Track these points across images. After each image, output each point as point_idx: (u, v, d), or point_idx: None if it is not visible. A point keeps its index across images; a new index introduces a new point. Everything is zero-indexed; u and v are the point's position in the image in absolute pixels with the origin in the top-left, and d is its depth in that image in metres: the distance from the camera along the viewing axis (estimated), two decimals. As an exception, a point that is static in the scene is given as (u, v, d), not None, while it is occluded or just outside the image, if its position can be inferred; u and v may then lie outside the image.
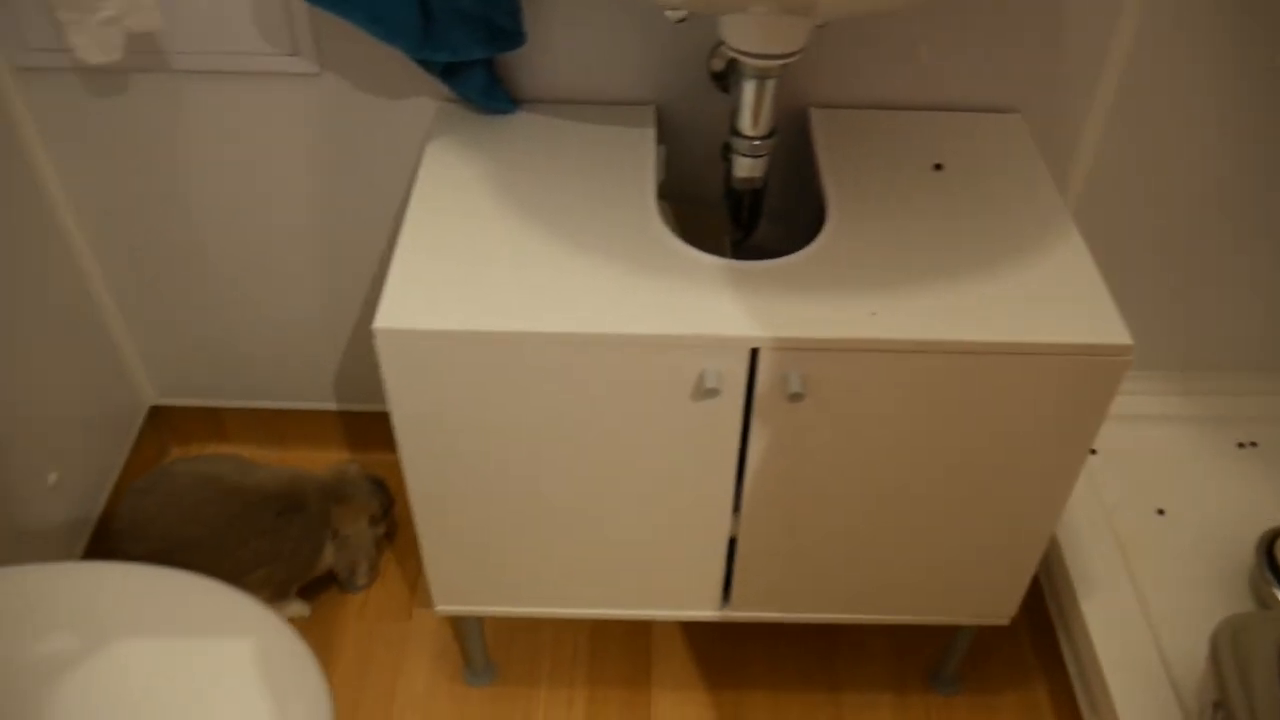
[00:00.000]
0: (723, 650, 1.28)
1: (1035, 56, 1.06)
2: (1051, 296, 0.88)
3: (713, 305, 0.87)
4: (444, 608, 1.11)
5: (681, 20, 0.94)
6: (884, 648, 1.28)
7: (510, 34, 1.00)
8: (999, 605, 1.09)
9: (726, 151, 0.99)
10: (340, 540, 1.28)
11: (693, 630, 1.30)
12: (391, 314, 0.86)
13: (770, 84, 0.91)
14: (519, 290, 0.88)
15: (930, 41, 1.05)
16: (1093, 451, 1.29)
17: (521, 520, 1.01)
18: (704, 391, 0.88)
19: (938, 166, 1.02)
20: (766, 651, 1.27)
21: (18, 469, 1.15)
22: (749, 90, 0.91)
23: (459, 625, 1.29)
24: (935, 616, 1.10)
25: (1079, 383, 0.87)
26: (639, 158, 1.03)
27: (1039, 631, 1.27)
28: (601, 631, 1.29)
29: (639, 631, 1.29)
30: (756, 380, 0.88)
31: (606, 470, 0.96)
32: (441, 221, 0.95)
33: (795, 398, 0.86)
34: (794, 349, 0.85)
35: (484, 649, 1.22)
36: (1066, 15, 1.04)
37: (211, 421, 1.45)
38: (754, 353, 0.86)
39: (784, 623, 1.09)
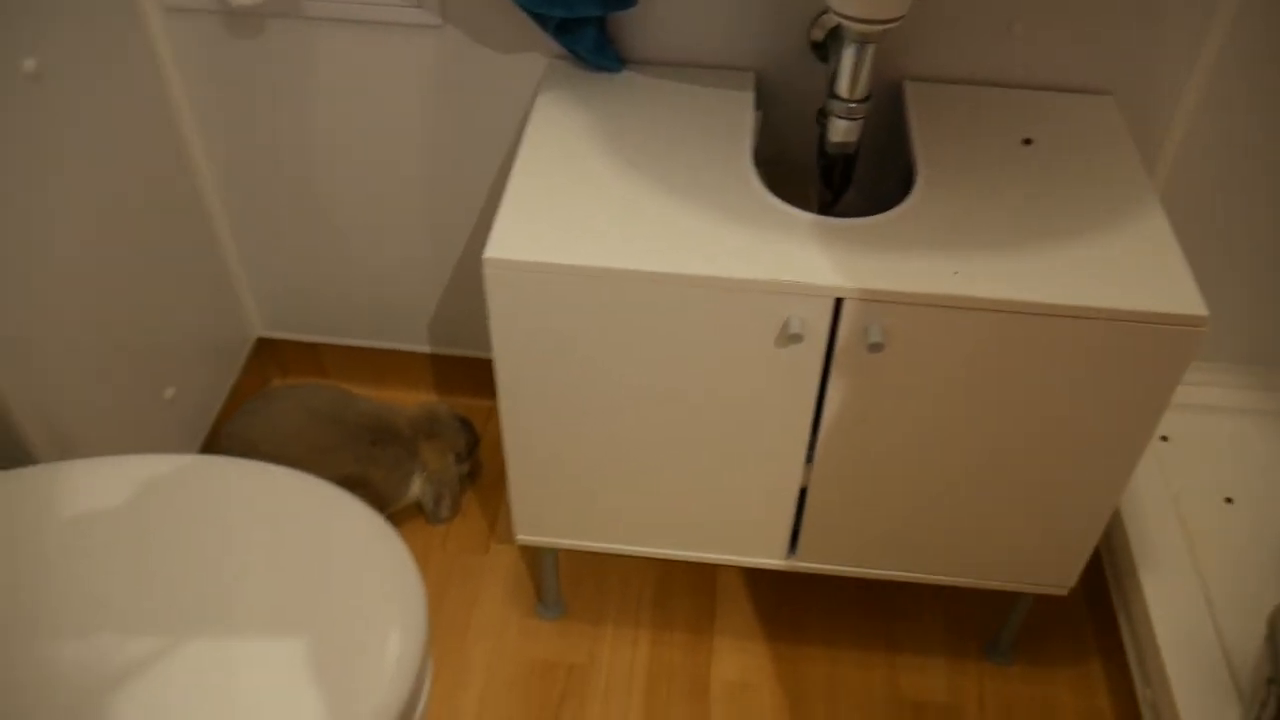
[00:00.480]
0: (784, 604, 1.32)
1: (1131, 39, 1.09)
2: (1130, 267, 0.91)
3: (801, 256, 0.91)
4: (524, 537, 1.17)
5: (786, -13, 0.99)
6: (941, 613, 1.32)
7: (623, -5, 1.06)
8: (1059, 574, 1.12)
9: (821, 116, 1.04)
10: (427, 473, 1.35)
11: (756, 582, 1.34)
12: (501, 245, 0.92)
13: (870, 49, 0.96)
14: (619, 232, 0.94)
15: (1026, 19, 1.08)
16: (1164, 438, 1.31)
17: (604, 455, 1.07)
18: (788, 337, 0.92)
19: (1027, 141, 1.05)
20: (826, 608, 1.32)
21: (142, 381, 1.24)
22: (849, 54, 0.96)
23: (534, 559, 1.35)
24: (995, 581, 1.14)
25: (1152, 352, 0.90)
26: (737, 119, 1.08)
27: (1097, 608, 1.29)
28: (668, 577, 1.35)
29: (704, 580, 1.35)
30: (839, 330, 0.92)
31: (688, 411, 1.01)
32: (549, 167, 1.01)
33: (875, 348, 0.90)
34: (876, 300, 0.89)
35: (557, 583, 1.29)
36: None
37: (311, 356, 1.53)
38: (838, 302, 0.90)
39: (848, 576, 1.13)
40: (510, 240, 0.93)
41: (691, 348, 0.95)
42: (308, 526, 0.88)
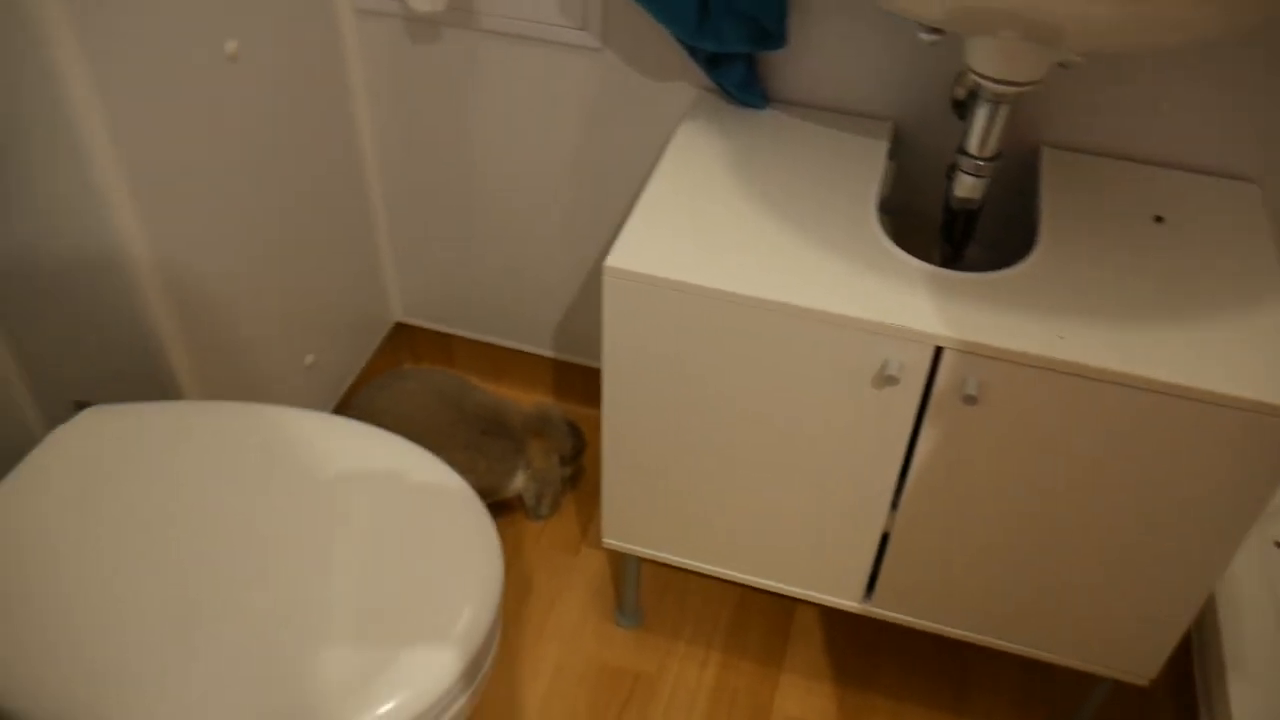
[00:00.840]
0: (857, 651, 1.32)
1: (1276, 127, 1.07)
2: (1246, 354, 0.90)
3: (908, 301, 0.94)
4: (610, 541, 1.22)
5: (933, 42, 1.01)
6: (1016, 688, 1.29)
7: (774, 35, 1.10)
8: (1140, 662, 1.09)
9: (950, 171, 1.05)
10: (531, 470, 1.41)
11: (832, 625, 1.35)
12: (622, 255, 0.97)
13: (1003, 109, 0.97)
14: (736, 258, 0.98)
15: (1174, 98, 1.08)
16: (1278, 544, 1.26)
17: (695, 471, 1.10)
18: (884, 379, 0.94)
19: (1158, 219, 1.04)
20: (899, 663, 1.31)
21: (287, 344, 1.34)
22: (983, 113, 0.98)
23: (619, 566, 1.39)
24: (1073, 660, 1.12)
25: (1258, 442, 0.88)
26: (868, 166, 1.11)
27: (1182, 710, 1.24)
28: (746, 606, 1.37)
29: (781, 615, 1.36)
30: (936, 379, 0.94)
31: (782, 440, 1.04)
32: (680, 190, 1.06)
33: (969, 400, 0.91)
34: (975, 354, 0.91)
35: (637, 593, 1.32)
36: (1324, 96, 1.04)
37: (442, 345, 1.62)
38: (938, 351, 0.92)
39: (922, 630, 1.12)
40: (632, 252, 0.98)
41: (791, 378, 0.98)
42: (411, 493, 0.95)
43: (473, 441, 1.38)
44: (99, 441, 0.98)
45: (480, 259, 1.49)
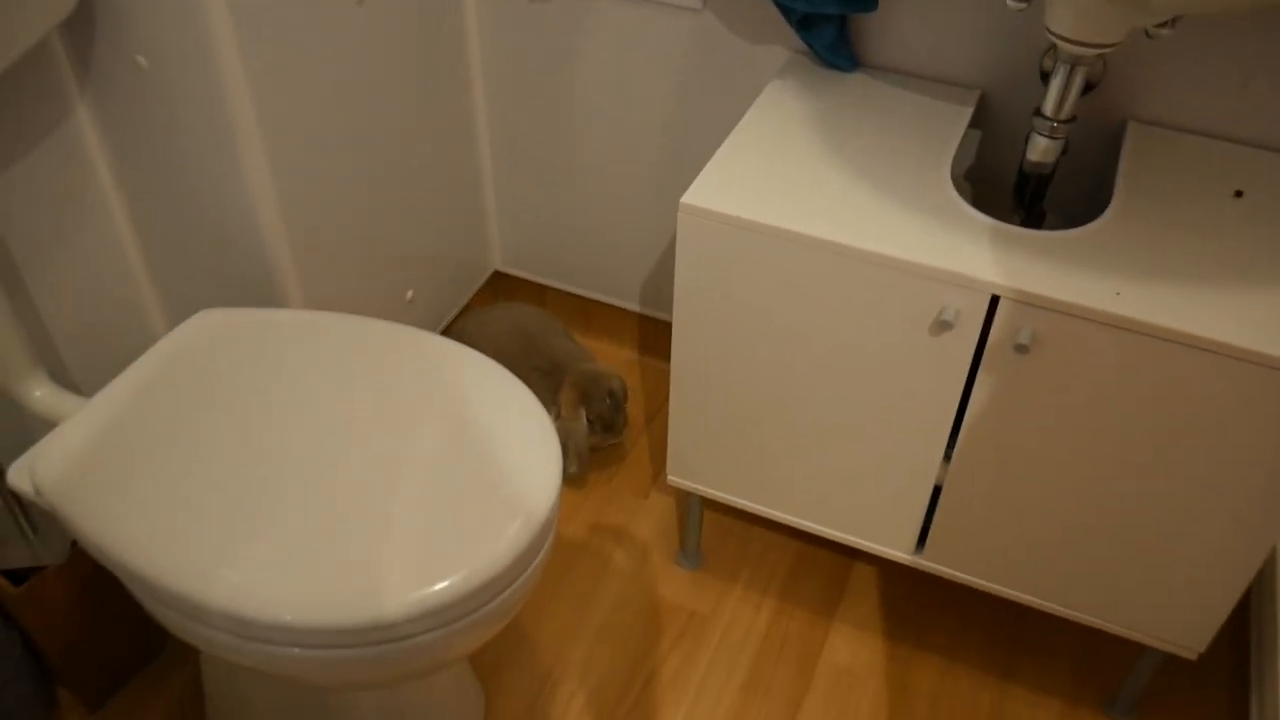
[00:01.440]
0: (911, 609, 1.35)
1: (1376, 112, 1.06)
2: (1307, 323, 0.90)
3: (969, 251, 0.97)
4: (674, 478, 1.27)
5: (1021, 9, 1.04)
6: (1068, 656, 1.30)
7: (864, -2, 1.14)
8: (1190, 634, 1.09)
9: (1028, 135, 1.08)
10: (560, 421, 1.45)
11: (888, 582, 1.38)
12: (698, 194, 1.03)
13: (1079, 71, 0.99)
14: (806, 203, 1.02)
15: (1265, 76, 1.08)
16: (1351, 540, 1.23)
17: (758, 412, 1.15)
18: (940, 324, 0.98)
19: (1238, 194, 1.05)
20: (951, 623, 1.33)
21: (390, 278, 1.43)
22: (1059, 74, 1.00)
23: (683, 509, 1.45)
24: (1121, 626, 1.12)
25: (1311, 408, 0.89)
26: (949, 130, 1.14)
27: (1236, 687, 1.24)
28: (805, 559, 1.41)
29: (839, 569, 1.40)
30: (991, 328, 0.96)
31: (841, 385, 1.08)
32: (762, 140, 1.11)
33: (1020, 349, 0.94)
34: (1030, 304, 0.93)
35: (699, 535, 1.38)
36: None
37: (536, 295, 1.70)
38: (994, 300, 0.95)
39: (971, 587, 1.14)
40: (708, 192, 1.03)
41: (852, 322, 1.02)
42: (482, 399, 1.02)
43: (522, 371, 1.45)
44: (211, 337, 1.08)
45: (576, 214, 1.56)
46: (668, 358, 1.66)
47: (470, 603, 0.88)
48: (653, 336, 1.66)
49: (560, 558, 1.41)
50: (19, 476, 0.99)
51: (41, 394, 1.12)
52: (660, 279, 1.58)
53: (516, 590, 0.93)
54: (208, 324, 1.10)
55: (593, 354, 1.55)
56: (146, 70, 1.08)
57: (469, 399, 1.02)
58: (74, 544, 1.13)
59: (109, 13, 1.06)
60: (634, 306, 1.63)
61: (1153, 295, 0.93)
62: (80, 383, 1.30)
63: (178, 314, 1.33)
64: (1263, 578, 1.28)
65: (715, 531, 1.44)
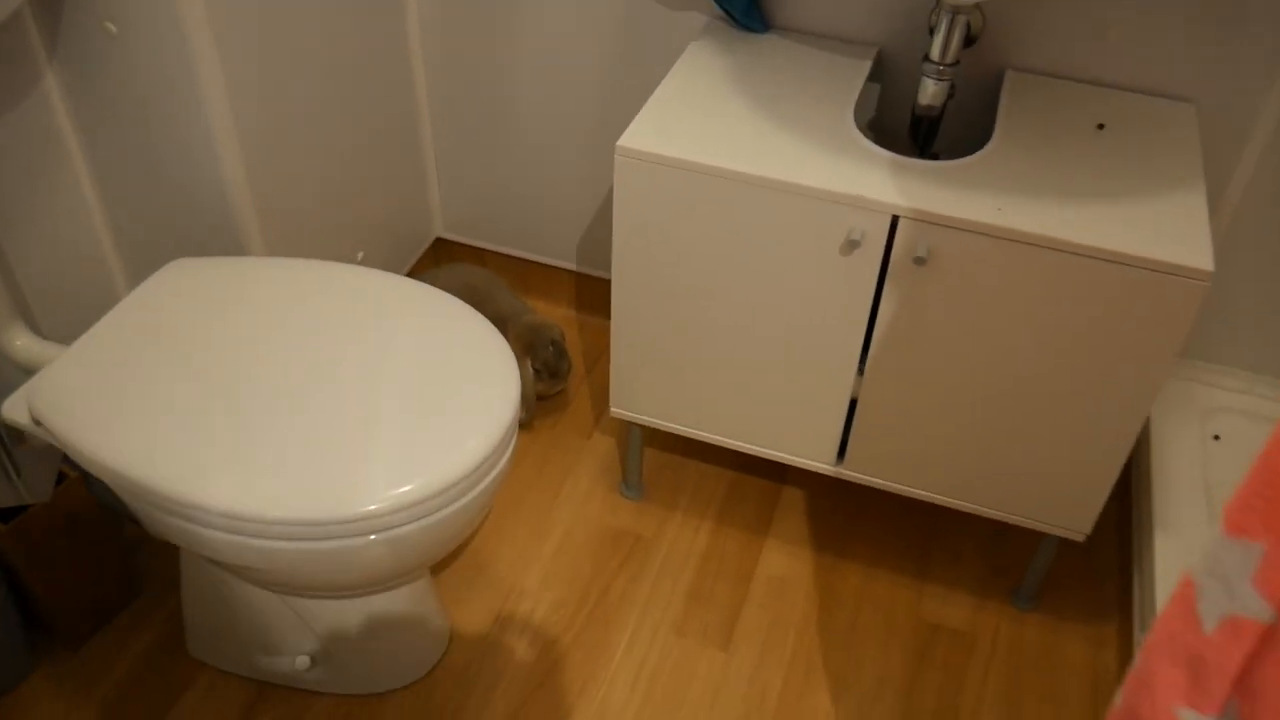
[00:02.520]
0: (836, 524, 1.49)
1: (1214, 54, 1.22)
2: (1157, 227, 1.05)
3: (872, 179, 1.10)
4: (617, 410, 1.39)
5: (907, -31, 1.18)
6: (975, 555, 1.45)
7: (772, -36, 1.27)
8: (1077, 517, 1.24)
9: (919, 83, 1.22)
10: None
11: (814, 501, 1.51)
12: (633, 137, 1.15)
13: (961, 19, 1.14)
14: (729, 144, 1.15)
15: (1121, 26, 1.23)
16: (1216, 437, 1.40)
17: (692, 342, 1.27)
18: (849, 244, 1.11)
19: (1100, 126, 1.20)
20: (871, 531, 1.47)
21: (341, 236, 1.52)
22: (943, 23, 1.14)
23: (624, 444, 1.57)
24: (1019, 516, 1.27)
25: (1162, 299, 1.03)
26: (852, 80, 1.27)
27: (1125, 576, 1.39)
28: (738, 485, 1.54)
29: (769, 493, 1.52)
30: (893, 246, 1.10)
31: (764, 307, 1.20)
32: (686, 92, 1.23)
33: (919, 261, 1.08)
34: (925, 221, 1.07)
35: (639, 466, 1.49)
36: (1251, 16, 1.19)
37: (477, 259, 1.80)
38: (894, 220, 1.08)
39: (887, 491, 1.27)
40: (641, 136, 1.15)
41: (773, 247, 1.15)
42: (443, 325, 1.13)
43: None
44: (188, 282, 1.17)
45: (513, 179, 1.67)
46: (604, 314, 1.78)
47: (440, 499, 0.99)
48: (589, 294, 1.77)
49: (512, 494, 1.51)
50: (13, 410, 1.07)
51: (22, 343, 1.19)
52: (594, 238, 1.69)
53: (481, 492, 1.03)
54: (182, 271, 1.18)
55: (534, 308, 1.65)
56: (115, 36, 1.16)
57: (434, 327, 1.13)
58: (57, 484, 1.20)
59: (79, -17, 1.14)
60: (570, 265, 1.74)
61: (1029, 210, 1.07)
62: (49, 336, 1.37)
63: (140, 271, 1.41)
64: (1139, 463, 1.45)
65: (654, 466, 1.56)
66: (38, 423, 1.03)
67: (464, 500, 1.01)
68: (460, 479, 0.99)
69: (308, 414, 1.01)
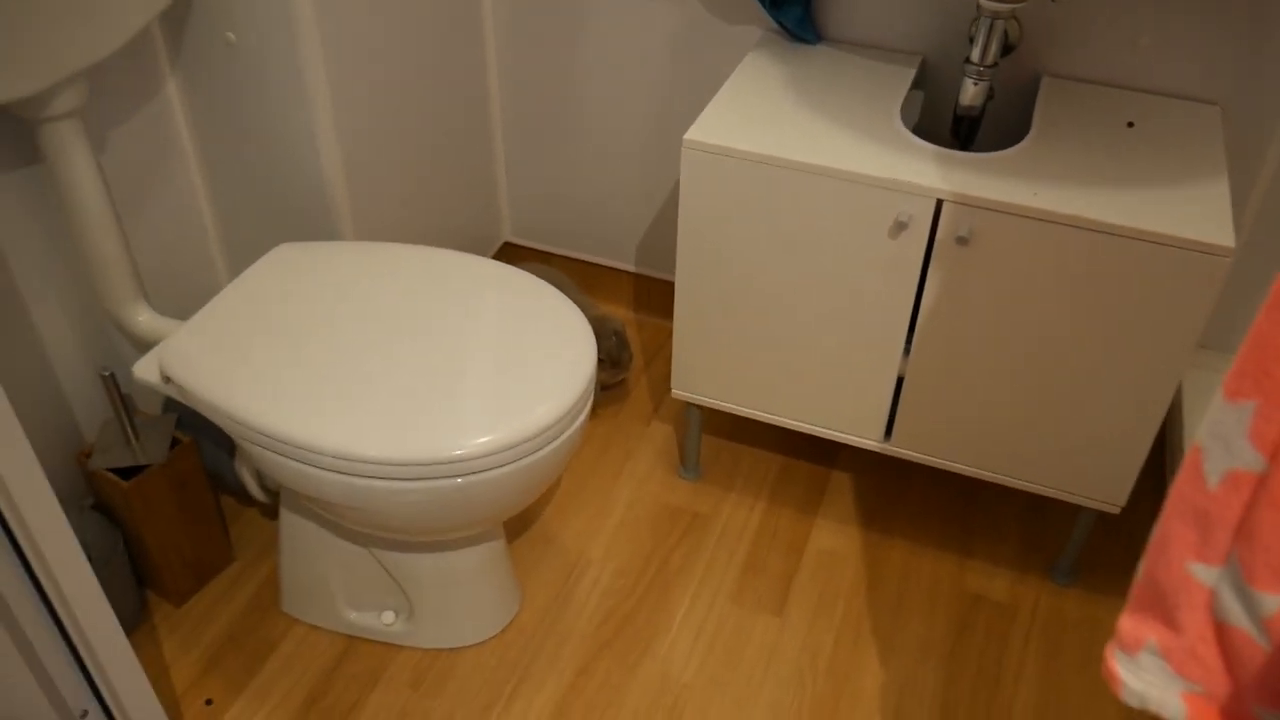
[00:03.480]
0: (883, 501, 1.57)
1: (1239, 60, 1.31)
2: (1182, 209, 1.14)
3: (917, 168, 1.21)
4: (678, 391, 1.49)
5: (949, -18, 1.29)
6: (1016, 531, 1.53)
7: (824, -20, 1.39)
8: (1112, 490, 1.32)
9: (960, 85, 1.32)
10: None
11: (862, 482, 1.60)
12: (699, 131, 1.26)
13: (1000, 25, 1.25)
14: (786, 138, 1.26)
15: (1152, 34, 1.33)
16: (1244, 424, 1.48)
17: (749, 325, 1.37)
18: (897, 225, 1.21)
19: (1130, 124, 1.30)
20: (914, 510, 1.56)
21: (420, 241, 1.65)
22: (983, 27, 1.25)
23: (682, 428, 1.66)
24: (1056, 489, 1.35)
25: (1186, 274, 1.12)
26: (898, 85, 1.38)
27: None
28: (789, 468, 1.63)
29: (818, 475, 1.62)
30: (938, 227, 1.20)
31: (818, 289, 1.30)
32: (744, 97, 1.35)
33: (961, 241, 1.18)
34: (967, 204, 1.17)
35: (698, 448, 1.59)
36: (1274, 22, 1.29)
37: (542, 262, 1.92)
38: (939, 204, 1.19)
39: (932, 466, 1.36)
40: (707, 130, 1.27)
41: (827, 231, 1.25)
42: (525, 297, 1.24)
43: None
44: (294, 262, 1.29)
45: (577, 186, 1.79)
46: (661, 313, 1.89)
47: (519, 449, 1.09)
48: (647, 294, 1.88)
49: (578, 474, 1.62)
50: (144, 370, 1.19)
51: (144, 319, 1.32)
52: (653, 241, 1.80)
53: (555, 450, 1.14)
54: (289, 252, 1.31)
55: (597, 304, 1.76)
56: (235, 45, 1.30)
57: (519, 298, 1.24)
58: (172, 446, 1.33)
59: (205, -4, 1.29)
60: (630, 267, 1.86)
61: (1062, 194, 1.17)
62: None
63: (240, 258, 1.54)
64: (1172, 440, 1.52)
65: (709, 451, 1.66)
66: (167, 380, 1.16)
67: (542, 453, 1.12)
68: (539, 433, 1.10)
69: (405, 371, 1.13)
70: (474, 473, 1.08)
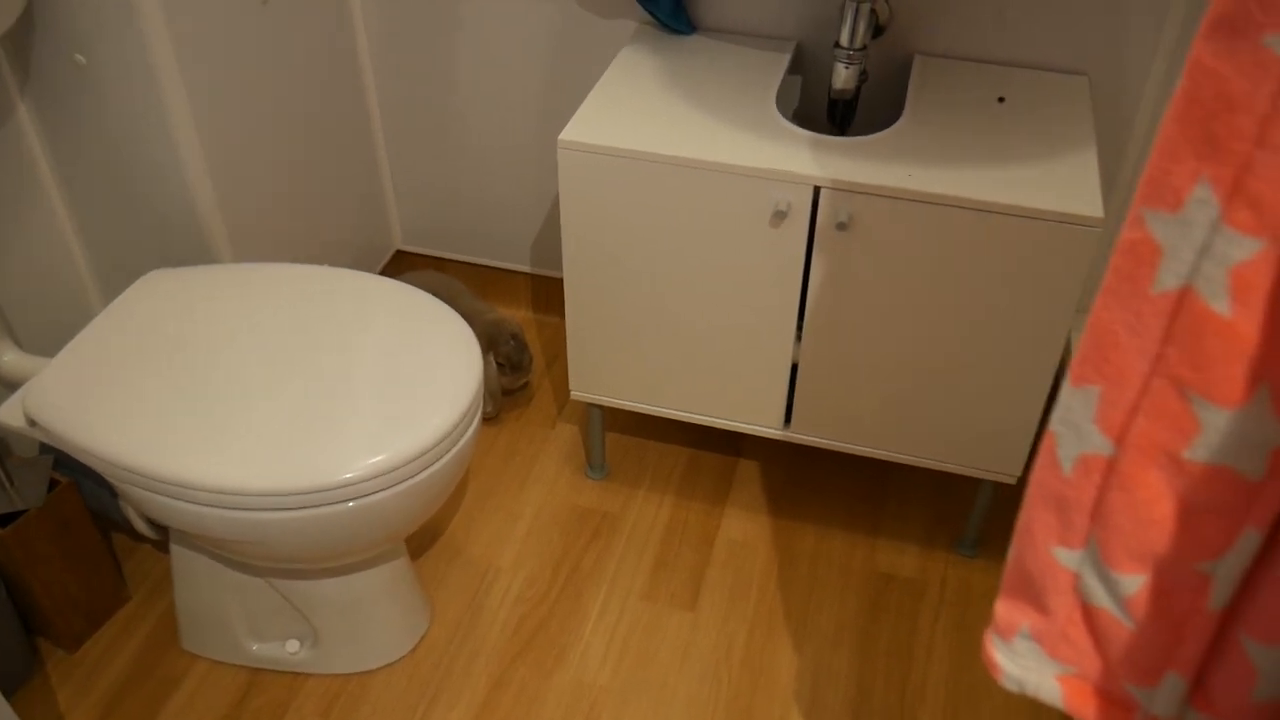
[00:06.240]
0: (790, 488, 1.58)
1: (1101, 27, 1.34)
2: (1053, 183, 1.16)
3: (794, 156, 1.20)
4: (577, 393, 1.48)
5: (816, -34, 1.29)
6: (920, 509, 1.55)
7: (694, -31, 1.38)
8: (1007, 461, 1.34)
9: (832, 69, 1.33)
10: None
11: (769, 471, 1.60)
12: (573, 131, 1.24)
13: (865, 7, 1.25)
14: (663, 133, 1.25)
15: (1016, 5, 1.35)
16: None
17: (641, 322, 1.36)
18: (777, 215, 1.21)
19: (1000, 99, 1.31)
20: (822, 493, 1.57)
21: (304, 258, 1.60)
22: (850, 11, 1.25)
23: (586, 428, 1.65)
24: (955, 464, 1.37)
25: (1060, 246, 1.14)
26: (773, 71, 1.38)
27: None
28: (695, 461, 1.62)
29: (725, 466, 1.62)
30: (818, 215, 1.20)
31: (704, 282, 1.30)
32: (620, 90, 1.33)
33: (841, 226, 1.18)
34: (844, 189, 1.17)
35: (603, 448, 1.58)
36: (1127, -1, 1.32)
37: (436, 268, 1.89)
38: (817, 191, 1.19)
39: (833, 450, 1.36)
40: (580, 129, 1.25)
41: (708, 224, 1.25)
42: (407, 313, 1.21)
43: None
44: (164, 290, 1.24)
45: (465, 189, 1.76)
46: (560, 313, 1.87)
47: (411, 466, 1.07)
48: (544, 295, 1.86)
49: (483, 482, 1.59)
50: (9, 414, 1.14)
51: (9, 359, 1.26)
52: (546, 240, 1.78)
53: (449, 462, 1.12)
54: (158, 280, 1.26)
55: (494, 307, 1.74)
56: (85, 67, 1.24)
57: (400, 315, 1.21)
58: (50, 488, 1.27)
59: (47, 18, 1.22)
60: (525, 268, 1.83)
61: (936, 175, 1.18)
62: (29, 351, 1.43)
63: (113, 286, 1.48)
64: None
65: (616, 448, 1.65)
66: (33, 423, 1.10)
67: (433, 469, 1.09)
68: (429, 448, 1.07)
69: (286, 397, 1.09)
70: (365, 495, 1.05)
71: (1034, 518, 0.65)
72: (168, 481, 1.02)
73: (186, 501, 1.03)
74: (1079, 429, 0.60)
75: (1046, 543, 0.65)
